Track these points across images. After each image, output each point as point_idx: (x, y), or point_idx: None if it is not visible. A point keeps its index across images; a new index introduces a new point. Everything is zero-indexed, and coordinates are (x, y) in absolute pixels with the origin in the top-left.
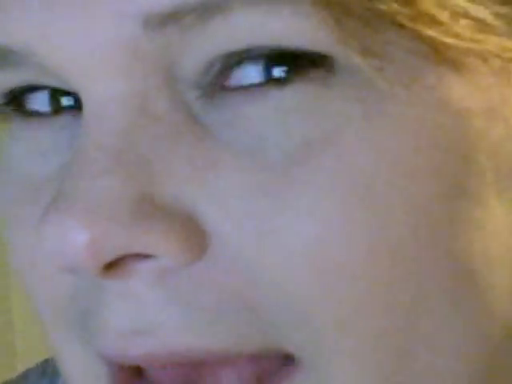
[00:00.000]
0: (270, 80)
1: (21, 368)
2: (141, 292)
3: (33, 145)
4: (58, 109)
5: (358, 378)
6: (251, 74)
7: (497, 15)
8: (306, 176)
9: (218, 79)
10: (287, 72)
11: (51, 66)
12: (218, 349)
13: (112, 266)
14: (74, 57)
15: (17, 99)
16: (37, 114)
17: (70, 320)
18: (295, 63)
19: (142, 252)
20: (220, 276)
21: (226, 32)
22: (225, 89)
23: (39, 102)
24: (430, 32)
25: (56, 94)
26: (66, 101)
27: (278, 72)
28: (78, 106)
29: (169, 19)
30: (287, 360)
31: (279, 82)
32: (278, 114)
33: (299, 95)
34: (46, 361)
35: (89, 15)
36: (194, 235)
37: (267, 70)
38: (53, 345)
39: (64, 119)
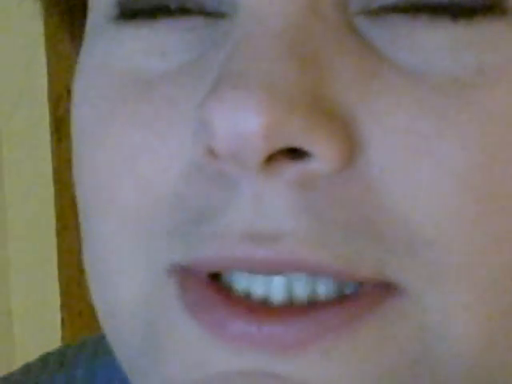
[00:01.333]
0: (437, 10)
1: (19, 359)
2: (278, 194)
3: (150, 43)
4: (182, 10)
5: (459, 318)
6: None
7: None
8: (479, 100)
9: None
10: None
11: None
12: (338, 265)
13: (265, 161)
14: None
15: None
16: (159, 13)
17: (156, 231)
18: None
19: (303, 148)
20: (357, 193)
21: None
22: (389, 9)
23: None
24: None
25: None
26: (194, 4)
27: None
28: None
29: None
30: (389, 289)
31: (449, 15)
32: (451, 43)
33: (471, 29)
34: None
35: None
36: (350, 144)
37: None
38: (102, 277)
39: (193, 21)
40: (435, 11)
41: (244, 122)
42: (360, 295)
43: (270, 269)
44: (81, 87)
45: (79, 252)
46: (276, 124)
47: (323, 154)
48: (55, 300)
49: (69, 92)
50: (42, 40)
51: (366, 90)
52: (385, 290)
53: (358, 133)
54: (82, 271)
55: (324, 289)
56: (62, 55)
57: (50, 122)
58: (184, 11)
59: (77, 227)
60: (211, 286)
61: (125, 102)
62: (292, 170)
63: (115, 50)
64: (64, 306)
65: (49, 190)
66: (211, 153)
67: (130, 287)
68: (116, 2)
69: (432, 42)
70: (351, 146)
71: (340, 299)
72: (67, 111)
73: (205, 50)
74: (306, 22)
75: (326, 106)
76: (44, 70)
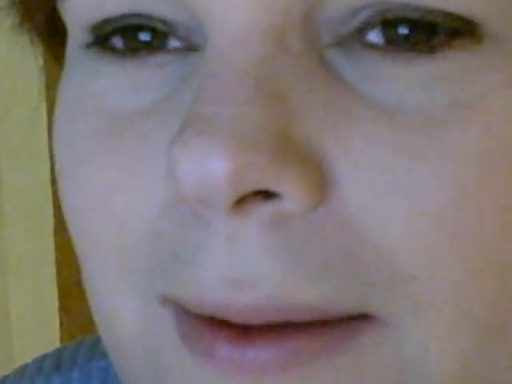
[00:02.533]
0: (416, 44)
1: (18, 361)
2: (251, 236)
3: (122, 80)
4: (153, 47)
5: (435, 350)
6: (391, 36)
7: None
8: (451, 137)
9: (356, 32)
10: (434, 39)
11: None
12: (319, 304)
13: (236, 204)
14: None
15: (107, 34)
16: (129, 51)
17: (138, 267)
18: (440, 31)
19: (272, 189)
20: (333, 229)
21: None
22: (362, 44)
23: (129, 39)
24: None
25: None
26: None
27: (421, 36)
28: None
29: None
30: (368, 319)
31: (427, 48)
32: (424, 79)
33: (447, 63)
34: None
35: None
36: (322, 182)
37: (412, 32)
38: (99, 302)
39: (163, 56)
40: (413, 43)
41: (209, 169)
42: (338, 323)
43: (249, 316)
44: (58, 121)
45: (80, 290)
46: (241, 169)
47: (293, 195)
48: (53, 302)
49: None
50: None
51: (336, 127)
52: (362, 322)
53: (330, 170)
54: (80, 273)
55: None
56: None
57: (48, 124)
58: (152, 46)
59: (76, 266)
60: (198, 315)
61: (98, 140)
62: (264, 210)
63: (90, 86)
64: (62, 308)
65: (46, 191)
66: (180, 195)
67: (126, 319)
68: (89, 28)
69: (406, 78)
70: (323, 184)
71: (319, 322)
72: None
73: (175, 86)
74: (273, 57)
75: (294, 147)
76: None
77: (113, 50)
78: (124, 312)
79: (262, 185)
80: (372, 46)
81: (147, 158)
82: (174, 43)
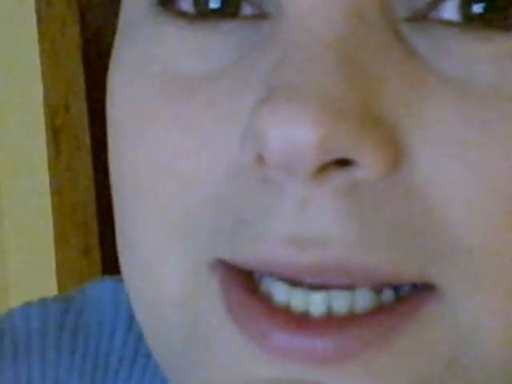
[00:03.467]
0: (491, 21)
1: None
2: (324, 201)
3: (191, 45)
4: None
5: (487, 323)
6: (466, 13)
7: None
8: None
9: (430, 6)
10: (509, 18)
11: None
12: (385, 268)
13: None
14: None
15: None
16: (200, 16)
17: (197, 229)
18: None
19: (351, 158)
20: (401, 198)
21: None
22: (436, 20)
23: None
24: None
25: None
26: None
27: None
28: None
29: None
30: (426, 293)
31: (502, 26)
32: (497, 56)
33: None
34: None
35: None
36: (395, 151)
37: (487, 11)
38: (144, 263)
39: (232, 23)
40: (488, 21)
41: (299, 135)
42: (397, 303)
43: (314, 275)
44: (119, 81)
45: (77, 263)
46: (329, 137)
47: (370, 163)
48: None
49: (66, 104)
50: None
51: (412, 99)
52: (422, 294)
53: (403, 141)
54: (80, 282)
55: (362, 302)
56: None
57: (47, 132)
58: (222, 11)
59: (75, 238)
60: (252, 294)
61: (166, 102)
62: (340, 178)
63: (155, 49)
64: None
65: (46, 201)
66: (260, 159)
67: (174, 282)
68: None
69: (480, 54)
70: (396, 154)
71: (377, 310)
72: (64, 121)
73: (245, 53)
74: (354, 30)
75: (374, 116)
76: (39, 81)
77: (182, 15)
78: (172, 273)
79: (344, 153)
80: (447, 23)
81: (215, 122)
82: (245, 11)
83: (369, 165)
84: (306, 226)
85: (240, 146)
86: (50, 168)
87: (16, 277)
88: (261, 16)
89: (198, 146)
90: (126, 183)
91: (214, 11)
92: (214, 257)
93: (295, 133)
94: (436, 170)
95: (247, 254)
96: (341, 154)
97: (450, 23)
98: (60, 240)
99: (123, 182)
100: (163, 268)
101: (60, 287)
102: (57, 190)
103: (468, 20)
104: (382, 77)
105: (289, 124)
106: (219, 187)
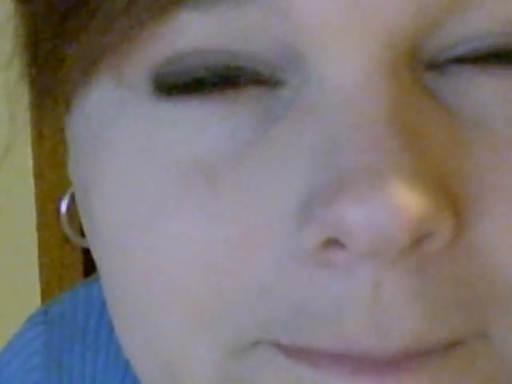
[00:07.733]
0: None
1: None
2: (395, 281)
3: (206, 122)
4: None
5: None
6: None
7: None
8: None
9: (453, 59)
10: None
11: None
12: (449, 337)
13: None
14: (333, 20)
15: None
16: (199, 87)
17: (237, 320)
18: None
19: (432, 231)
20: (465, 267)
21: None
22: (451, 60)
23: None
24: None
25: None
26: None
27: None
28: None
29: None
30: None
31: None
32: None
33: None
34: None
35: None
36: (460, 220)
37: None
38: (165, 356)
39: (243, 93)
40: (504, 59)
41: (387, 220)
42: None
43: (397, 359)
44: (117, 172)
45: (60, 251)
46: (419, 221)
47: (447, 234)
48: (36, 301)
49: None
50: None
51: (463, 161)
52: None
53: (466, 208)
54: (62, 271)
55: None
56: None
57: (31, 123)
58: (228, 81)
59: (57, 224)
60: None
61: (187, 191)
62: (414, 255)
63: (165, 133)
64: None
65: (29, 189)
66: (326, 245)
67: (204, 370)
68: (153, 76)
69: (497, 91)
70: (461, 222)
71: (445, 348)
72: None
73: (269, 125)
74: (397, 97)
75: (444, 187)
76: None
77: (180, 90)
78: (201, 362)
79: (428, 229)
80: (461, 61)
81: (253, 207)
82: (251, 78)
83: (445, 235)
84: (381, 312)
85: (292, 232)
86: (32, 151)
87: None
88: (276, 82)
89: (234, 236)
90: (138, 274)
91: (214, 85)
92: (257, 340)
93: (383, 217)
94: (500, 237)
95: (322, 342)
96: (424, 231)
97: (464, 61)
98: (42, 226)
99: (136, 273)
100: (190, 357)
101: (41, 273)
102: (39, 175)
103: (482, 57)
104: (433, 140)
105: (377, 211)
106: (266, 276)
